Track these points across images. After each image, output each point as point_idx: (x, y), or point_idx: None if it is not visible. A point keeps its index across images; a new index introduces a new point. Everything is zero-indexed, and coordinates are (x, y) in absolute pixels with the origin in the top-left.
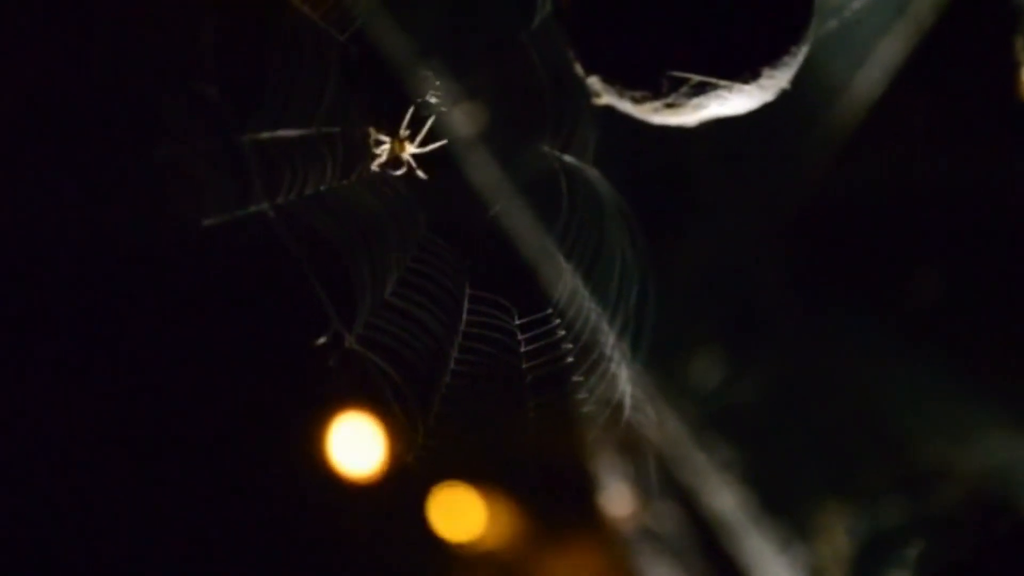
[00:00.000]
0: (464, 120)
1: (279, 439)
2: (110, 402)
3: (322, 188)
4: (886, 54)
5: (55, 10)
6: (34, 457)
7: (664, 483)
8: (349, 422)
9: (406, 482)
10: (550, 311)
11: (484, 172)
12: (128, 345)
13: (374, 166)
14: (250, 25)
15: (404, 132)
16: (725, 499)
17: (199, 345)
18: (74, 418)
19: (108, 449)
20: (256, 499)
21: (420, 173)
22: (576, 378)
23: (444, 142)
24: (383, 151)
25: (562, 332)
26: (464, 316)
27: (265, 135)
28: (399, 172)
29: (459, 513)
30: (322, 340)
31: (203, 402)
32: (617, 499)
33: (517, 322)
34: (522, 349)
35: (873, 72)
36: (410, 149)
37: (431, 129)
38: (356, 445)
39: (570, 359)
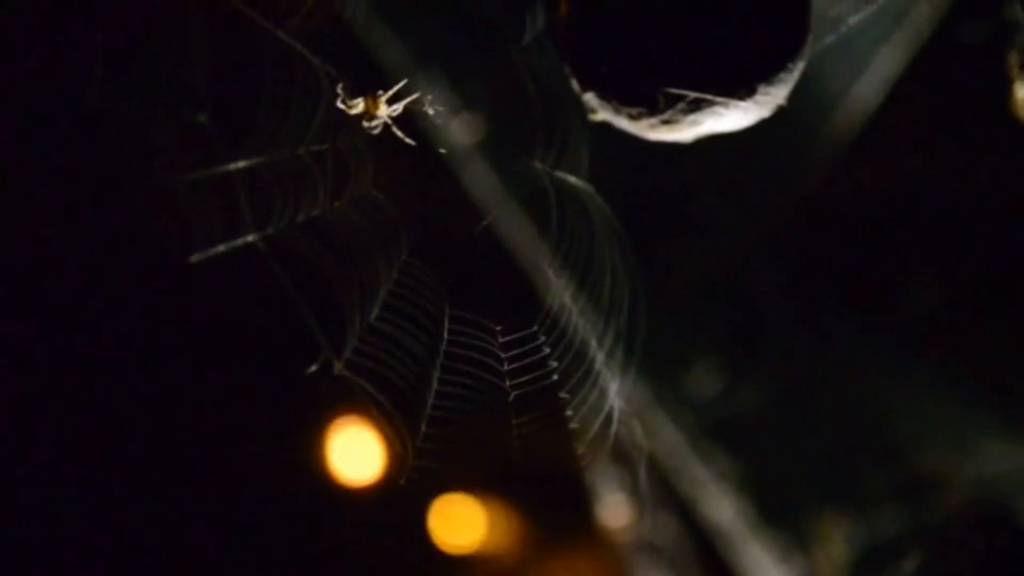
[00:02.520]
0: (458, 132)
1: (279, 448)
2: (112, 410)
3: (313, 213)
4: (882, 66)
5: (40, 33)
6: (42, 472)
7: (662, 493)
8: (348, 430)
9: (405, 491)
10: (535, 328)
11: (476, 184)
12: (131, 360)
13: (358, 119)
14: (239, 43)
15: (379, 92)
16: (723, 509)
17: (199, 358)
18: (78, 427)
19: (108, 457)
20: (255, 508)
21: (400, 134)
22: (562, 395)
23: (416, 96)
24: (357, 107)
25: (548, 349)
26: (447, 337)
27: (256, 160)
28: (375, 129)
29: (458, 522)
30: (312, 368)
31: (202, 411)
32: (614, 510)
33: (501, 340)
34: (506, 367)
35: (869, 84)
36: (384, 109)
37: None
38: (355, 453)
39: (555, 377)
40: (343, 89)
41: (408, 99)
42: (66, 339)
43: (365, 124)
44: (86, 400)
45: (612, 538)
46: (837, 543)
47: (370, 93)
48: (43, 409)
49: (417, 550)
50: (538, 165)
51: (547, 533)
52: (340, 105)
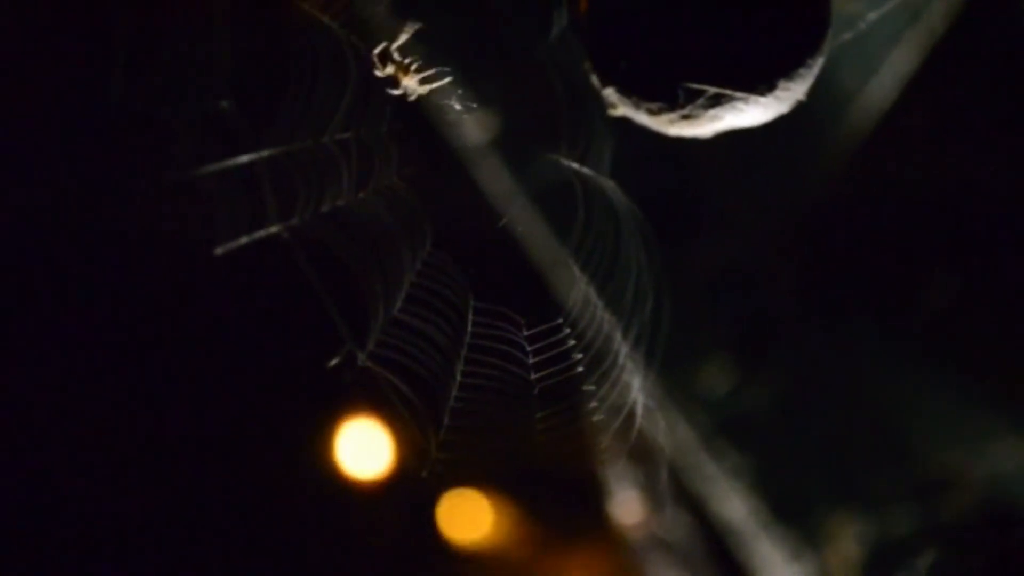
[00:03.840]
0: (479, 127)
1: (288, 442)
2: (122, 404)
3: (338, 203)
4: (898, 63)
5: (64, 24)
6: (50, 468)
7: (674, 491)
8: (357, 425)
9: (415, 485)
10: (560, 321)
11: (497, 179)
12: (144, 355)
13: (378, 73)
14: (264, 32)
15: (412, 65)
16: (735, 507)
17: (220, 349)
18: (89, 421)
19: (116, 452)
20: (264, 503)
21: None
22: (587, 387)
23: (447, 79)
24: (387, 70)
25: (572, 342)
26: (470, 329)
27: (280, 150)
28: (396, 91)
29: (468, 518)
30: (335, 361)
31: (213, 406)
32: (627, 506)
33: (526, 333)
34: (531, 360)
35: (885, 81)
36: (412, 79)
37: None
38: (364, 448)
39: (580, 369)
40: (380, 53)
41: (437, 83)
42: (84, 327)
43: (389, 89)
44: (103, 389)
45: (624, 535)
46: (848, 541)
47: (403, 62)
48: (59, 398)
49: (427, 545)
50: (562, 160)
51: (559, 529)
52: (376, 68)
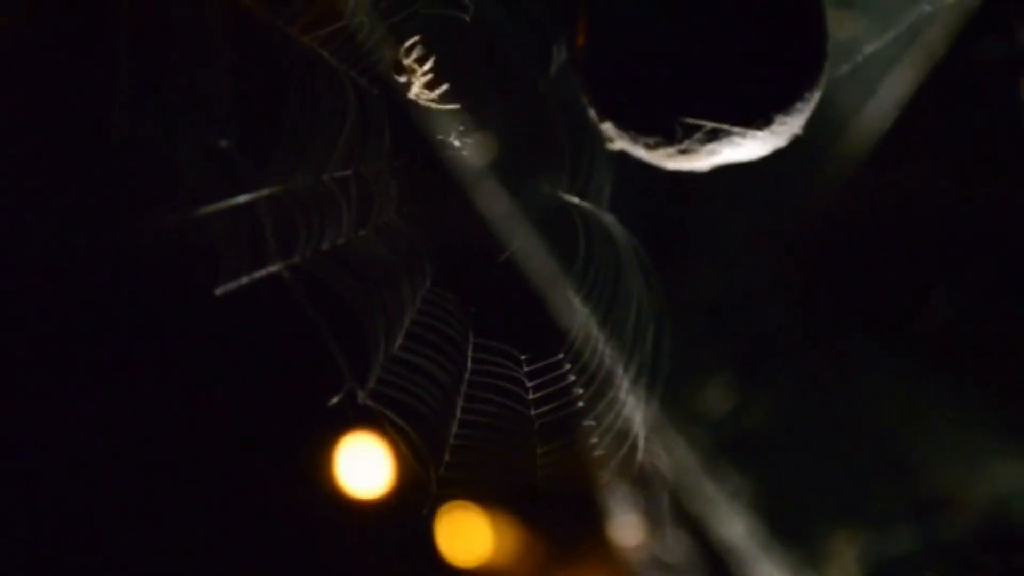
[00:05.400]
0: (480, 161)
1: (287, 459)
2: (123, 418)
3: (338, 241)
4: (894, 87)
5: (64, 61)
6: (55, 480)
7: (674, 511)
8: (357, 442)
9: (413, 504)
10: (561, 356)
11: (498, 213)
12: (154, 387)
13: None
14: (263, 68)
15: (425, 66)
16: (735, 526)
17: (222, 387)
18: (92, 431)
19: (117, 463)
20: (264, 522)
21: (418, 97)
22: (588, 422)
23: (444, 87)
24: (402, 59)
25: (573, 377)
26: (471, 366)
27: (280, 188)
28: (402, 79)
29: (466, 537)
30: (336, 399)
31: (215, 434)
32: (627, 528)
33: (526, 369)
34: (531, 396)
35: (882, 104)
36: (417, 78)
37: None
38: (364, 465)
39: (581, 404)
40: (407, 48)
41: (439, 90)
42: (89, 360)
43: (395, 75)
44: (107, 415)
45: (624, 556)
46: (849, 561)
47: (416, 60)
48: (66, 418)
49: (426, 565)
50: (563, 194)
51: (559, 550)
52: (400, 56)
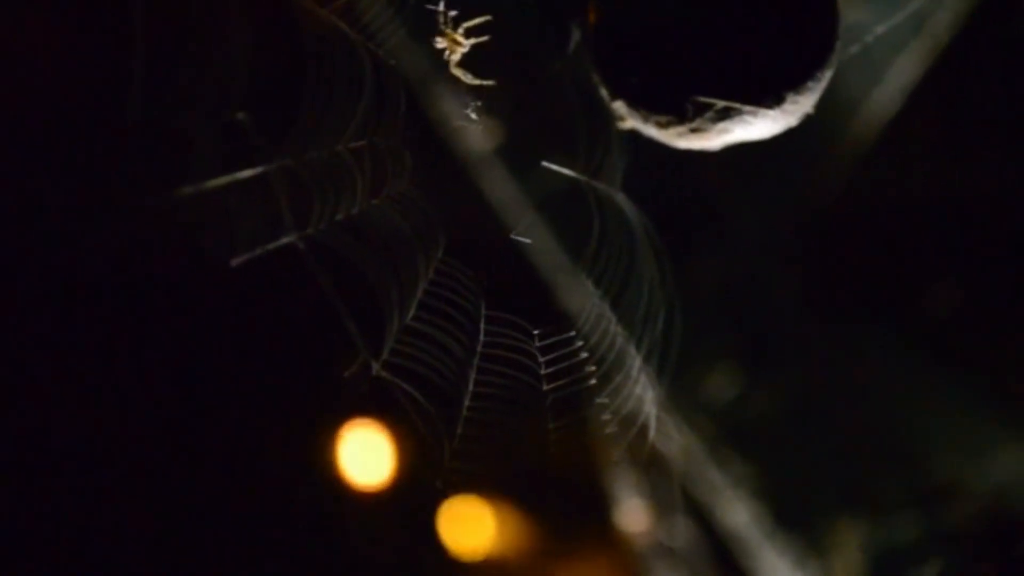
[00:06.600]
0: (493, 136)
1: (290, 449)
2: (129, 409)
3: (352, 211)
4: (903, 72)
5: (80, 36)
6: (57, 474)
7: (679, 498)
8: (359, 432)
9: (417, 493)
10: (573, 333)
11: (510, 189)
12: (155, 363)
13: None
14: (279, 39)
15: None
16: (739, 514)
17: (224, 361)
18: (95, 424)
19: (119, 456)
20: (266, 511)
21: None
22: (600, 400)
23: (484, 37)
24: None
25: (585, 354)
26: (483, 338)
27: (295, 160)
28: (441, 44)
29: (470, 526)
30: (351, 371)
31: (221, 414)
32: (632, 514)
33: (538, 344)
34: (544, 371)
35: (890, 90)
36: (458, 46)
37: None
38: (367, 455)
39: (593, 381)
40: (448, 18)
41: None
42: (96, 333)
43: (438, 40)
44: (111, 393)
45: (629, 543)
46: (853, 549)
47: (458, 33)
48: (66, 400)
49: (429, 554)
50: (576, 173)
51: (563, 537)
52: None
